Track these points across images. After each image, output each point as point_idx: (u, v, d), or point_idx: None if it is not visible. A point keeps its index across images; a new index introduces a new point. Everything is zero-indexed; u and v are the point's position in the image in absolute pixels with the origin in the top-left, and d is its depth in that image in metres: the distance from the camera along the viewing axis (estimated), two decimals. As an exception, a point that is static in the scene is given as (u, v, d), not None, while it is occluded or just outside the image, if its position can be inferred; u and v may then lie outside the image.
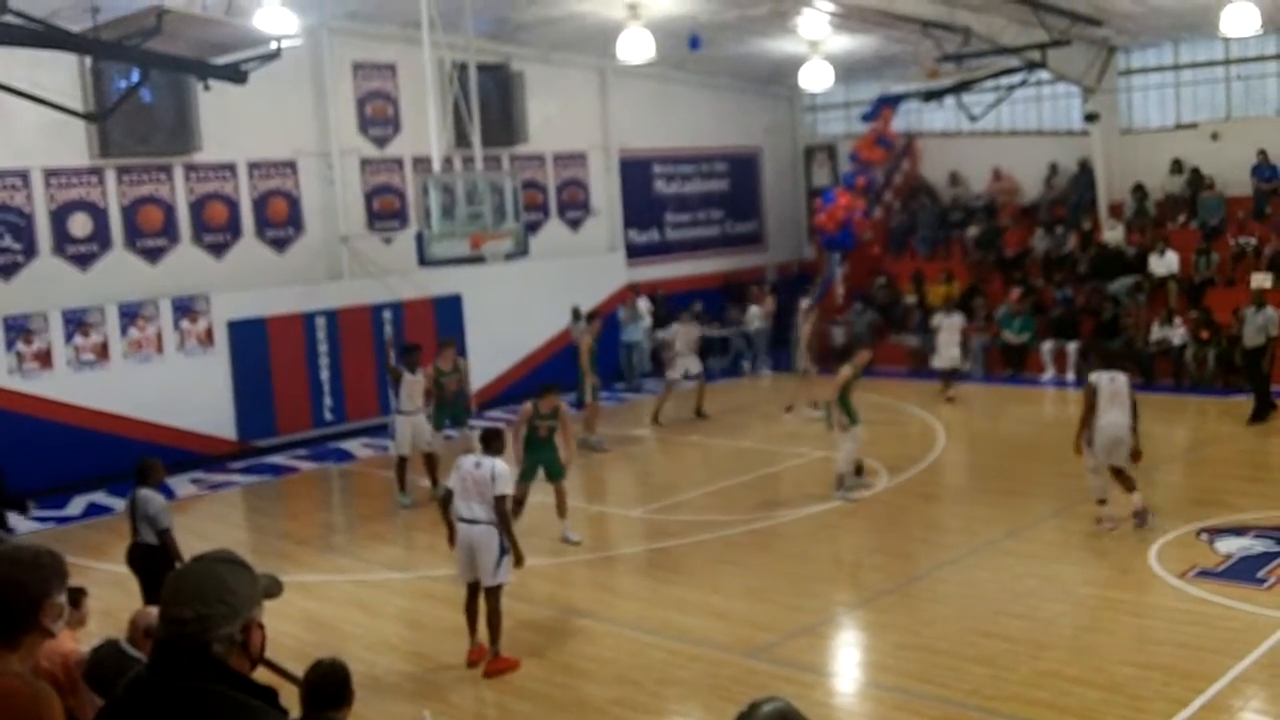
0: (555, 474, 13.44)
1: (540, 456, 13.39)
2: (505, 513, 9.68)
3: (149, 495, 10.28)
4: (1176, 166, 23.40)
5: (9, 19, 12.36)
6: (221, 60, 14.67)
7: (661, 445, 18.97)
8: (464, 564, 9.78)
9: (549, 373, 22.01)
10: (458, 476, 9.80)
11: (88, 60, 16.92)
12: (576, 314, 21.92)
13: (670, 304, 25.15)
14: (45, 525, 15.40)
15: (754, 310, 23.87)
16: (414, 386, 15.51)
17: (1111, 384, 12.65)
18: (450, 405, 16.00)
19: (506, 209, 17.81)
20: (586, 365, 18.55)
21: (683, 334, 20.87)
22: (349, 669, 5.77)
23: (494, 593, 9.70)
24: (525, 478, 13.27)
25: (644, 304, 24.62)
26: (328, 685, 5.64)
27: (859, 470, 14.93)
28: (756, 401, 21.73)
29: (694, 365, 20.56)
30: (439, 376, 15.82)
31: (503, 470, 9.72)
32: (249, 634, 3.13)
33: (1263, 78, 22.92)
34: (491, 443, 10.06)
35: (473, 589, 9.88)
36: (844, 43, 22.80)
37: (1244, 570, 10.90)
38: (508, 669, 9.63)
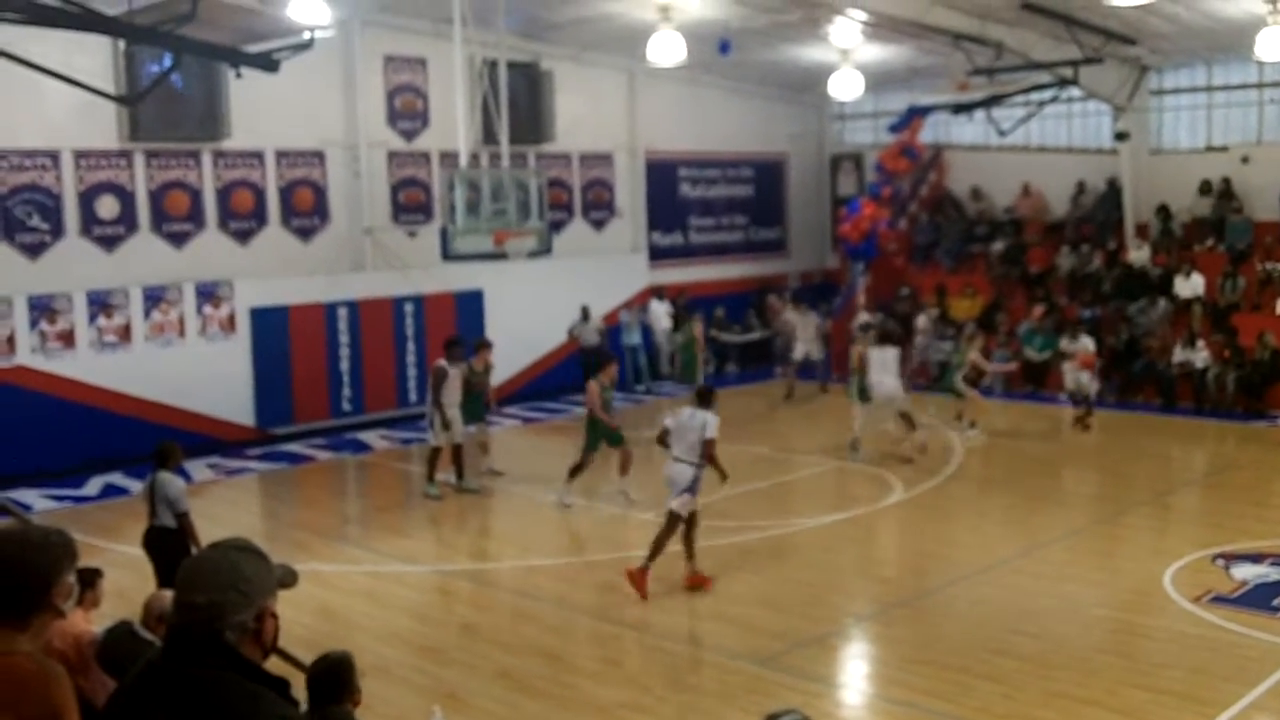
0: (616, 440, 14.77)
1: (602, 428, 14.66)
2: (713, 455, 11.41)
3: (168, 478, 10.31)
4: (1206, 186, 23.25)
5: (46, 0, 12.42)
6: (254, 48, 14.71)
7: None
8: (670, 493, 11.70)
9: (566, 372, 22.23)
10: (675, 422, 11.64)
11: (121, 43, 17.01)
12: (585, 314, 22.12)
13: (691, 308, 25.14)
14: (62, 505, 15.48)
15: (864, 317, 23.70)
16: (457, 380, 15.60)
17: (882, 354, 16.76)
18: (475, 403, 15.98)
19: (531, 207, 17.82)
20: (699, 353, 20.12)
21: (801, 322, 22.39)
22: (353, 664, 5.76)
23: (692, 520, 11.58)
24: (592, 448, 14.69)
25: (663, 307, 24.61)
26: (327, 679, 5.66)
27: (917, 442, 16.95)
28: (775, 409, 21.68)
29: (815, 350, 22.26)
30: (471, 376, 15.84)
31: (713, 420, 11.44)
32: (262, 623, 3.13)
33: (1295, 103, 22.80)
34: (706, 397, 11.75)
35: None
36: (875, 52, 22.74)
37: (1259, 597, 10.83)
38: (700, 585, 11.49)
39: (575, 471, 14.76)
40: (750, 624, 10.63)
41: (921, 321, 23.21)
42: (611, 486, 15.15)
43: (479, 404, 16.18)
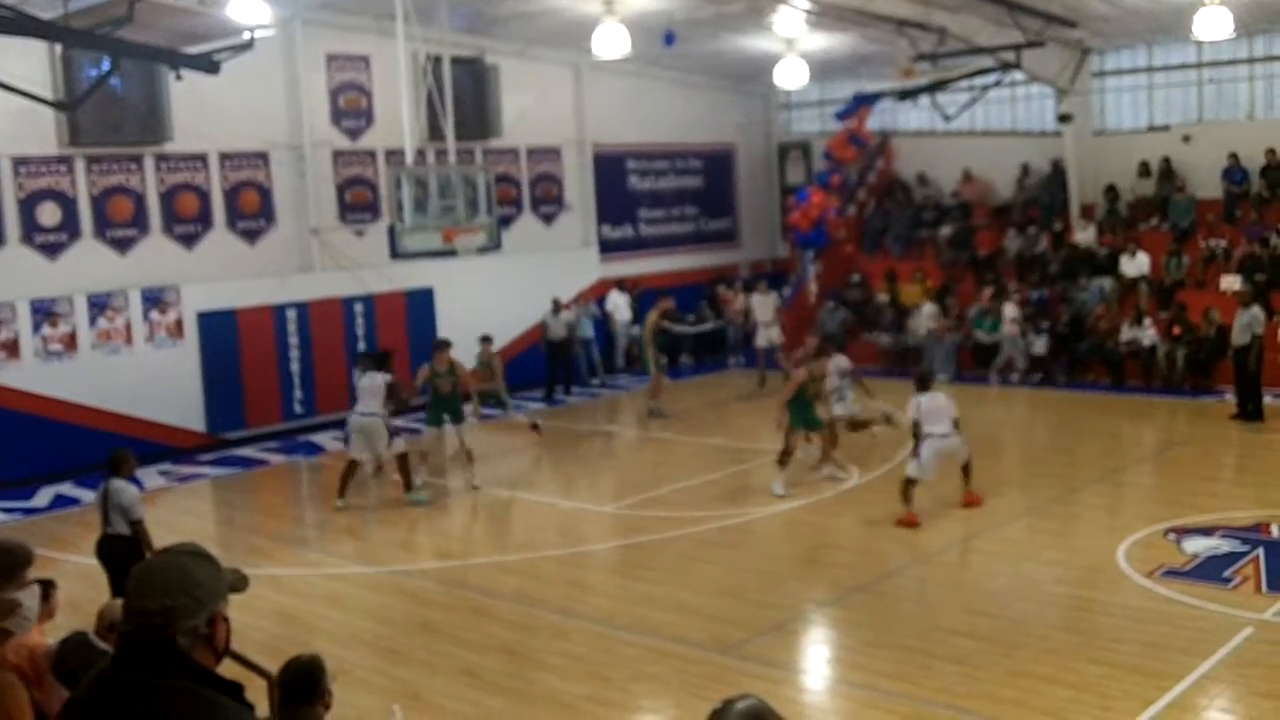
0: (816, 424, 15.22)
1: (805, 414, 14.97)
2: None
3: (122, 486, 10.20)
4: (1145, 168, 23.53)
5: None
6: (194, 50, 14.56)
7: (634, 441, 18.95)
8: (933, 466, 13.32)
9: (522, 367, 22.16)
10: (920, 411, 13.35)
11: (58, 48, 16.76)
12: (556, 306, 22.12)
13: (644, 300, 25.15)
14: (12, 516, 15.27)
15: (928, 309, 22.93)
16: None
17: (371, 382, 15.14)
18: (447, 403, 15.75)
19: (479, 203, 17.77)
20: (649, 342, 19.78)
21: (761, 304, 22.05)
22: (324, 666, 5.71)
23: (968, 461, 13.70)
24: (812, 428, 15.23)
25: (624, 299, 24.57)
26: (298, 682, 5.60)
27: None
28: (729, 400, 21.75)
29: (775, 335, 21.84)
30: (434, 377, 15.59)
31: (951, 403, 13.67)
32: (214, 627, 3.10)
33: (1234, 81, 23.07)
34: (926, 381, 13.86)
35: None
36: (819, 41, 22.81)
37: (1211, 570, 10.97)
38: (974, 503, 13.56)
39: (786, 457, 14.82)
40: (710, 613, 10.64)
41: (1009, 310, 22.58)
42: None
43: (455, 405, 15.92)
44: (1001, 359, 21.73)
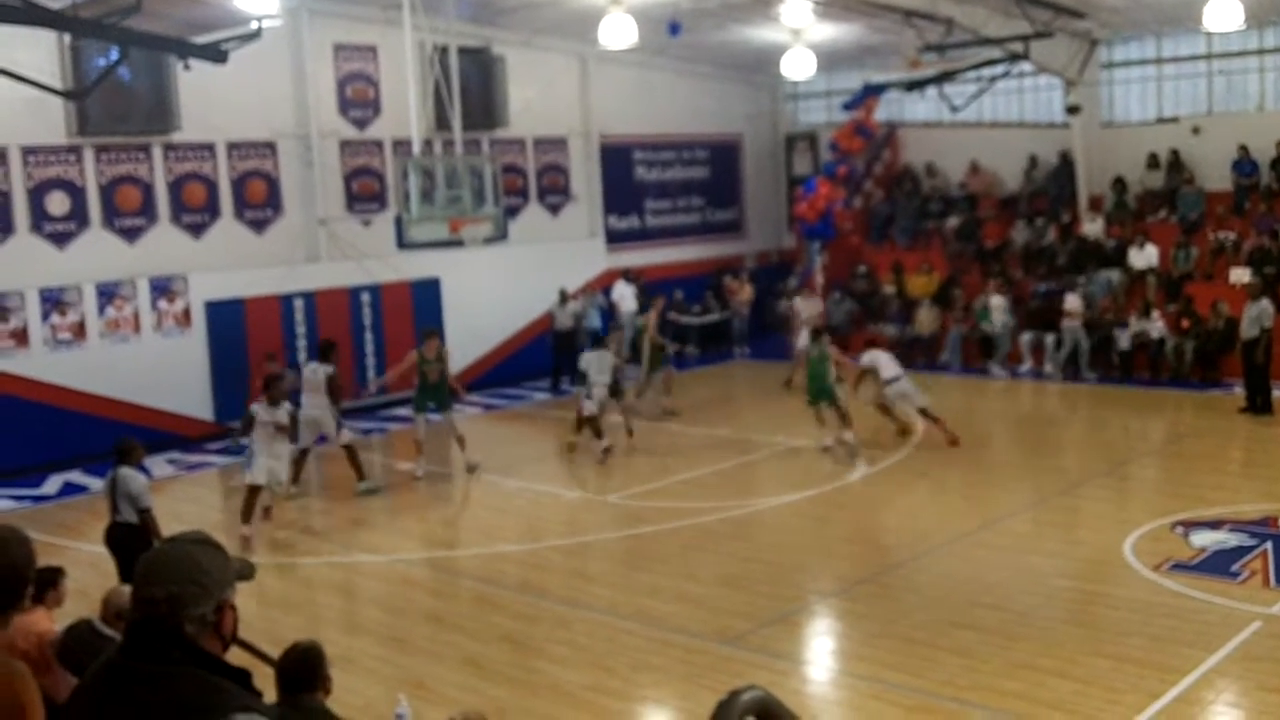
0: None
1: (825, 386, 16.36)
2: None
3: (130, 474, 10.24)
4: (1154, 160, 23.47)
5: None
6: (201, 39, 14.57)
7: (638, 431, 18.92)
8: (913, 395, 16.35)
9: (528, 358, 22.19)
10: (873, 359, 16.43)
11: (67, 38, 16.78)
12: (563, 296, 22.11)
13: (650, 291, 25.13)
14: (21, 504, 15.31)
15: (996, 301, 22.18)
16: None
17: (314, 375, 15.26)
18: (433, 391, 15.91)
19: (486, 193, 17.76)
20: (654, 339, 19.82)
21: (806, 306, 22.09)
22: (323, 653, 5.74)
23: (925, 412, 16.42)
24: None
25: (630, 289, 24.52)
26: (298, 669, 5.63)
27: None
28: (735, 391, 21.74)
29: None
30: (422, 364, 15.82)
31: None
32: (221, 615, 3.10)
33: (1244, 73, 22.99)
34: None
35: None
36: (826, 31, 22.77)
37: (1218, 564, 10.95)
38: (958, 442, 15.85)
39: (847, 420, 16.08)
40: (714, 604, 10.66)
41: (1072, 301, 21.54)
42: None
43: (443, 393, 16.03)
44: (1064, 353, 21.37)
